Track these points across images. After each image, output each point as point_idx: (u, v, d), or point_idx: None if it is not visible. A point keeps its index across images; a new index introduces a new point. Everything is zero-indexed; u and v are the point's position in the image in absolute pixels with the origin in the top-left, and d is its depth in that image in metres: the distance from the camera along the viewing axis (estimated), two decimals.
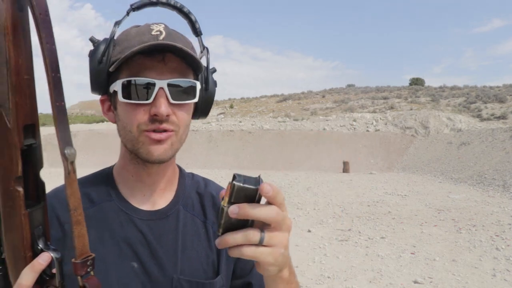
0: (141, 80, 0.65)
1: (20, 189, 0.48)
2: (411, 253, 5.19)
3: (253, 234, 0.49)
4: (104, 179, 0.76)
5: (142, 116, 0.66)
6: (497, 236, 5.87)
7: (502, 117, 20.17)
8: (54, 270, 0.50)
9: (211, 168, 16.74)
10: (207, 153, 20.04)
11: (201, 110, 0.77)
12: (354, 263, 4.87)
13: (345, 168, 16.07)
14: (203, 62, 0.75)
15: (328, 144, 19.95)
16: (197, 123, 27.15)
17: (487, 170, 11.96)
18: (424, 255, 5.10)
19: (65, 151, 0.45)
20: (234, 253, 0.49)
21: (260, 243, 0.49)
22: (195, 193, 0.81)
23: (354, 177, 13.97)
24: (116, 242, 0.70)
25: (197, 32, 0.74)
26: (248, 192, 0.48)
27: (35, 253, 0.50)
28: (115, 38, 0.70)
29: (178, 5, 0.71)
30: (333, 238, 6.00)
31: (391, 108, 25.33)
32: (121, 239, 0.70)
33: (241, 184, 0.47)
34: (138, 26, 0.71)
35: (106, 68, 0.68)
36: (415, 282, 4.24)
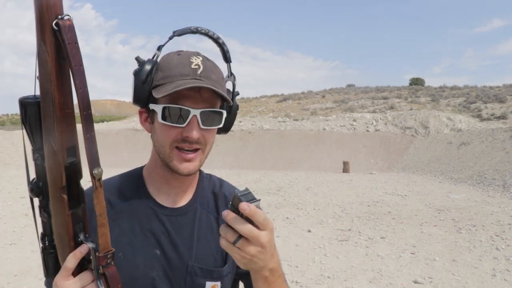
0: (179, 107, 0.77)
1: (65, 195, 0.63)
2: (411, 253, 5.19)
3: (231, 235, 0.63)
4: (135, 179, 0.90)
5: (175, 136, 0.79)
6: (497, 236, 5.87)
7: (502, 117, 20.17)
8: (91, 257, 0.66)
9: (211, 168, 16.72)
10: None
11: (224, 128, 0.89)
12: (354, 263, 4.87)
13: (345, 168, 16.06)
14: (229, 85, 0.88)
15: (328, 144, 19.94)
16: None
17: (487, 170, 11.96)
18: (424, 255, 5.09)
19: (94, 171, 0.61)
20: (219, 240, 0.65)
21: (233, 244, 0.63)
22: (211, 193, 0.94)
23: (354, 177, 13.97)
24: (143, 232, 0.85)
25: (227, 60, 0.87)
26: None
27: (77, 244, 0.66)
28: (158, 60, 0.80)
29: (215, 36, 0.84)
30: (333, 238, 5.99)
31: (391, 108, 25.32)
32: (147, 230, 0.85)
33: (238, 195, 0.61)
34: (180, 53, 0.81)
35: (148, 88, 0.79)
36: (415, 282, 4.24)
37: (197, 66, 0.78)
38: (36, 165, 0.66)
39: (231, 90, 0.89)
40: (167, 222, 0.85)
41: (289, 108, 30.68)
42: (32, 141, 0.66)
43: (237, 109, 0.90)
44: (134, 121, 26.40)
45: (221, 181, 0.97)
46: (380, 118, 22.61)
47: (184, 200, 0.89)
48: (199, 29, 0.82)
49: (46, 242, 0.70)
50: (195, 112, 0.77)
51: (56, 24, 0.56)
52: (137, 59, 0.80)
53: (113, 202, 0.85)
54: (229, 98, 0.80)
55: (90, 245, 0.66)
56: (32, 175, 0.68)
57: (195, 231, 0.87)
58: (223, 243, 0.64)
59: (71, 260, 0.65)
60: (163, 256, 0.84)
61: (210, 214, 0.91)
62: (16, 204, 8.29)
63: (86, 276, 0.67)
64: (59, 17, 0.56)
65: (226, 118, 0.86)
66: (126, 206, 0.86)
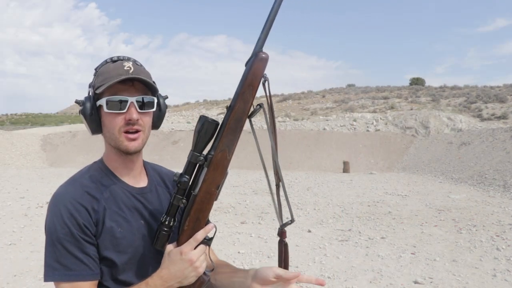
0: (119, 97, 1.00)
1: (216, 191, 0.97)
2: (412, 253, 5.18)
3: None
4: (103, 170, 1.09)
5: (120, 121, 1.00)
6: (498, 236, 5.86)
7: (503, 117, 20.18)
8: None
9: None
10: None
11: (154, 124, 1.13)
12: (354, 263, 4.86)
13: (345, 168, 16.06)
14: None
15: (328, 144, 19.93)
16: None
17: (487, 170, 11.95)
18: (425, 255, 5.09)
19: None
20: None
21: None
22: (155, 173, 1.23)
23: (354, 177, 13.96)
24: (128, 208, 1.07)
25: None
26: None
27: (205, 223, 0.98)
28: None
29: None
30: (333, 238, 5.99)
31: (392, 108, 25.33)
32: (131, 206, 1.07)
33: None
34: (114, 60, 1.04)
35: (98, 119, 1.03)
36: (416, 282, 4.23)
37: (129, 68, 1.01)
38: (190, 162, 0.93)
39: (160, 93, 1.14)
40: (142, 199, 1.10)
41: (289, 108, 30.67)
42: (196, 146, 0.94)
43: (166, 107, 1.14)
44: None
45: (152, 164, 1.26)
46: (381, 118, 22.61)
47: (144, 181, 1.15)
48: None
49: (170, 222, 0.98)
50: (132, 100, 1.00)
51: (264, 80, 0.94)
52: (76, 101, 1.03)
53: (98, 196, 1.02)
54: (156, 87, 1.05)
55: (213, 225, 0.98)
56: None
57: (161, 201, 1.15)
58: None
59: (202, 234, 0.97)
60: (146, 224, 1.08)
61: (163, 188, 1.20)
62: (16, 204, 8.28)
63: (203, 247, 0.98)
64: (265, 75, 0.95)
65: (157, 114, 1.11)
66: (109, 193, 1.05)
